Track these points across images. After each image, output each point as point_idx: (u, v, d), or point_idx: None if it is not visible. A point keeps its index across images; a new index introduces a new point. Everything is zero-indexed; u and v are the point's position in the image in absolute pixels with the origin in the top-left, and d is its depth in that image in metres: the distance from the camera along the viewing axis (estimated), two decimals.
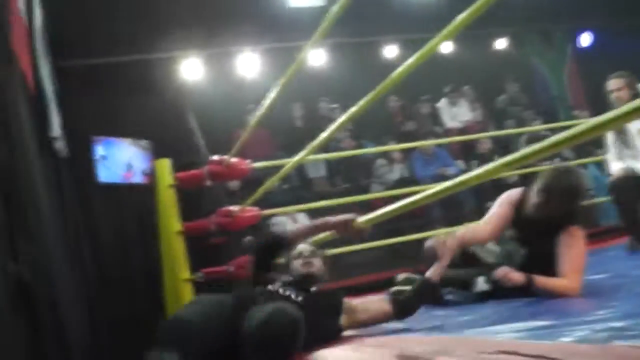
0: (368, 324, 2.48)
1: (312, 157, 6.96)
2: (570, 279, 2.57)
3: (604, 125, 1.31)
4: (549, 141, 1.42)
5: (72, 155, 4.84)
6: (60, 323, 2.66)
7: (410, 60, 2.15)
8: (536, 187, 2.70)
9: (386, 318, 2.47)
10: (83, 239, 4.54)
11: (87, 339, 2.87)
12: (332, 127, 2.39)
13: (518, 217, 2.83)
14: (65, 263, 3.37)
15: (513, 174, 6.17)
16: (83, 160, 5.28)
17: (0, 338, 2.10)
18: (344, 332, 2.43)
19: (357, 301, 2.57)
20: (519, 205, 2.84)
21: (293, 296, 2.35)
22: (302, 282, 2.52)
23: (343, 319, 2.43)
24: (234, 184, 6.00)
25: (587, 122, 1.34)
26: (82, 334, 2.79)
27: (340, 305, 2.45)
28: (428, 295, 2.57)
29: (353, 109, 2.07)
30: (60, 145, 4.28)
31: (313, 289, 2.52)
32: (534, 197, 2.70)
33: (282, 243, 2.61)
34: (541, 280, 2.60)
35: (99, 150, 5.56)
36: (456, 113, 7.82)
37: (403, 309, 2.47)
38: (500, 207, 2.92)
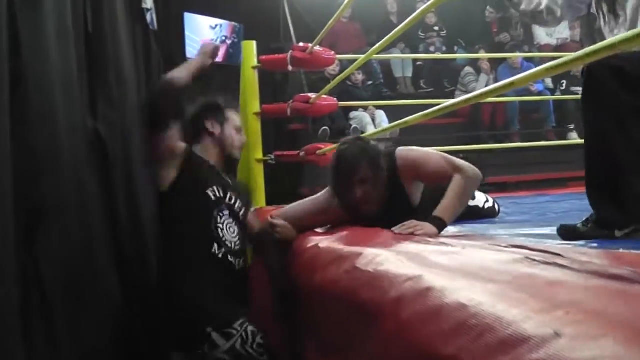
0: None
1: (399, 55, 6.86)
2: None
3: None
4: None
5: (162, 29, 4.90)
6: (131, 181, 2.77)
7: None
8: None
9: None
10: None
11: (154, 204, 3.00)
12: (414, 14, 2.26)
13: None
14: (141, 129, 3.48)
15: None
16: (172, 35, 5.35)
17: (78, 187, 2.23)
18: None
19: None
20: None
21: None
22: None
23: None
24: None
25: None
26: (149, 199, 2.91)
27: None
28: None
29: None
30: (151, 18, 4.33)
31: None
32: None
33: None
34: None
35: (188, 26, 5.60)
36: (553, 30, 7.37)
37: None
38: None
